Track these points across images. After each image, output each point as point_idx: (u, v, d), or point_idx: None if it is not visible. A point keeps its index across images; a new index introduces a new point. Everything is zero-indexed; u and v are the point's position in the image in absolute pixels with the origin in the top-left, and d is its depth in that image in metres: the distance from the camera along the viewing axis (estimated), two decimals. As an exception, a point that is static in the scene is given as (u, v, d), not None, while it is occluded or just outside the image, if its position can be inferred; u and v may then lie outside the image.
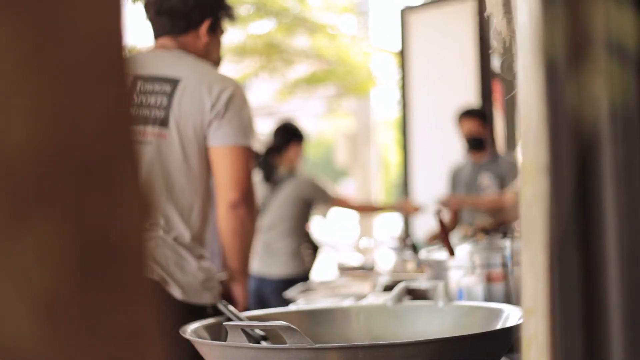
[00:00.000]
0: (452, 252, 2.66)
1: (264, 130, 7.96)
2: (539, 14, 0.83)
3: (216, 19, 3.08)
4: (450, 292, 2.54)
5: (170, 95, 2.85)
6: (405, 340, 1.58)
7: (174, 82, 2.87)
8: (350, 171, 14.63)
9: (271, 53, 11.91)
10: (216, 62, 3.11)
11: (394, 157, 19.29)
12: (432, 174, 7.40)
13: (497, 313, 1.90)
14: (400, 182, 7.81)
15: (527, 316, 0.99)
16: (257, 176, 5.92)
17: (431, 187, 7.09)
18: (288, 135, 6.08)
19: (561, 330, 0.81)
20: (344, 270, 5.16)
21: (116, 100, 0.44)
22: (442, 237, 2.69)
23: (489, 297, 2.47)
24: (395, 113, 10.47)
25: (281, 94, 13.34)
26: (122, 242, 0.44)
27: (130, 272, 0.45)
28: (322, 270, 7.51)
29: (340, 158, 13.50)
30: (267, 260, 5.76)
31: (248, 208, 2.89)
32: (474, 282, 2.48)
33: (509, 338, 1.66)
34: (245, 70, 12.39)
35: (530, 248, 0.96)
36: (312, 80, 12.43)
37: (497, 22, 1.44)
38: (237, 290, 3.04)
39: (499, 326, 1.82)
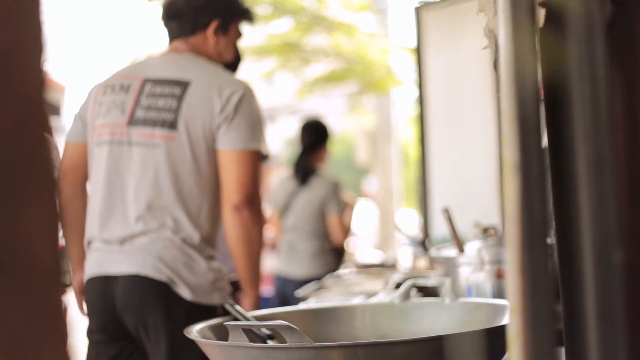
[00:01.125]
0: (461, 249, 2.66)
1: (287, 128, 7.98)
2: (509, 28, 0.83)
3: (225, 19, 3.07)
4: (459, 289, 2.54)
5: (180, 98, 2.84)
6: (405, 338, 1.59)
7: (184, 85, 2.86)
8: (371, 169, 14.62)
9: (290, 52, 11.93)
10: (231, 63, 3.11)
11: (414, 154, 19.27)
12: (449, 170, 7.38)
13: (504, 309, 1.90)
14: (419, 179, 7.79)
15: (512, 315, 0.99)
16: (285, 176, 5.94)
17: (448, 184, 7.07)
18: (320, 133, 6.08)
19: (534, 328, 0.82)
20: (362, 267, 5.17)
21: (23, 110, 0.45)
22: (452, 234, 2.69)
23: (497, 294, 2.47)
24: (414, 110, 10.45)
25: (301, 92, 13.36)
26: (28, 254, 0.44)
27: (36, 284, 0.45)
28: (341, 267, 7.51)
29: (361, 156, 13.50)
30: (290, 260, 5.78)
31: (252, 211, 2.87)
32: (483, 279, 2.48)
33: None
34: (265, 70, 12.43)
35: (510, 246, 0.96)
36: (331, 78, 12.43)
37: (488, 20, 1.44)
38: (245, 303, 2.99)
39: (503, 322, 1.81)
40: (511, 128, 0.83)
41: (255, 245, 2.94)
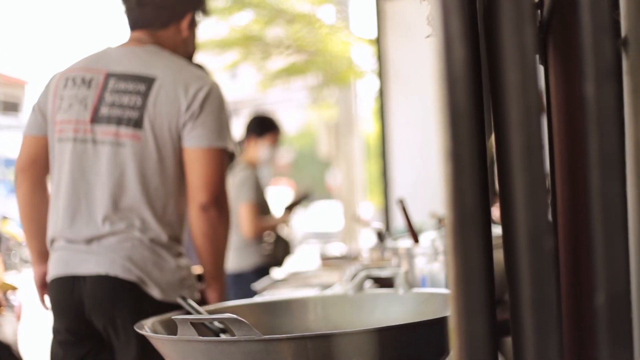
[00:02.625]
0: (416, 240, 2.67)
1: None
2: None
3: (196, 12, 3.06)
4: (414, 280, 2.54)
5: (145, 95, 2.79)
6: (354, 329, 1.58)
7: (149, 81, 2.81)
8: (334, 162, 14.64)
9: (251, 45, 11.91)
10: (191, 54, 3.09)
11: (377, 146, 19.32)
12: (410, 162, 7.40)
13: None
14: (381, 171, 7.81)
15: (450, 303, 0.99)
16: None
17: (409, 175, 7.10)
18: (249, 126, 6.01)
19: (466, 315, 0.82)
20: (325, 260, 5.17)
21: None
22: (406, 224, 2.70)
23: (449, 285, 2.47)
24: (376, 102, 10.48)
25: (263, 85, 13.34)
26: None
27: None
28: (304, 260, 7.50)
29: (323, 149, 13.51)
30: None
31: (219, 211, 2.85)
32: (437, 269, 2.49)
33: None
34: (226, 63, 12.39)
35: (447, 233, 0.96)
36: (292, 71, 12.43)
37: (432, 8, 1.43)
38: (211, 297, 2.99)
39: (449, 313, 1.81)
40: (443, 116, 0.83)
41: (221, 242, 2.93)
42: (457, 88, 0.80)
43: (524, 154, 0.81)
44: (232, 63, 12.81)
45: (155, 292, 2.74)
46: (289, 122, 27.08)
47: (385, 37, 7.67)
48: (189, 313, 1.98)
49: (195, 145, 2.80)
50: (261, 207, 5.85)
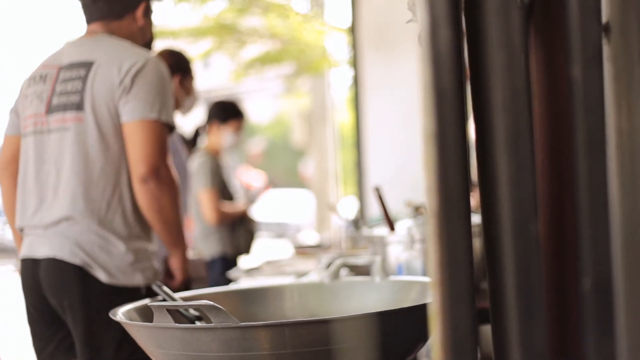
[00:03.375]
0: (392, 228, 2.66)
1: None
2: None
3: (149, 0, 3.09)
4: (390, 268, 2.54)
5: (84, 79, 2.85)
6: (332, 316, 1.57)
7: (88, 65, 2.88)
8: (307, 150, 14.62)
9: (225, 34, 11.85)
10: (149, 42, 3.10)
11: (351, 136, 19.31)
12: (384, 151, 7.41)
13: (432, 287, 1.89)
14: (355, 160, 7.81)
15: (432, 290, 0.98)
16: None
17: (383, 164, 7.11)
18: (210, 113, 5.86)
19: (451, 302, 0.81)
20: (298, 249, 5.16)
21: None
22: (382, 212, 2.69)
23: (428, 272, 2.47)
24: (350, 91, 10.47)
25: (236, 74, 13.28)
26: None
27: None
28: (278, 249, 7.49)
29: (297, 138, 13.49)
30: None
31: (158, 182, 2.84)
32: (413, 257, 2.49)
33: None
34: (199, 52, 12.32)
35: (429, 218, 0.95)
36: (266, 60, 12.38)
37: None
38: (173, 263, 3.10)
39: (428, 300, 1.81)
40: (428, 98, 0.81)
41: (167, 212, 2.93)
42: (443, 69, 0.79)
43: (510, 137, 0.80)
44: (205, 52, 12.75)
45: (102, 276, 2.79)
46: (262, 111, 27.01)
47: (359, 26, 7.66)
48: (163, 300, 1.96)
49: (129, 118, 2.83)
50: (222, 194, 5.73)
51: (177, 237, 3.04)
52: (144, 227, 2.91)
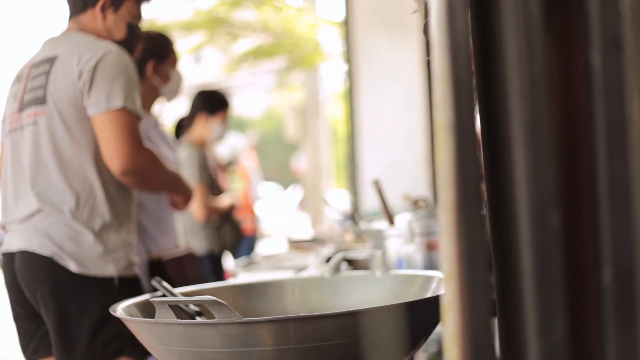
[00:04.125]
0: (391, 221, 2.64)
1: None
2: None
3: None
4: (390, 262, 2.52)
5: (47, 74, 2.87)
6: (336, 311, 1.55)
7: (51, 60, 2.89)
8: (300, 145, 14.59)
9: (217, 27, 11.81)
10: (127, 44, 3.03)
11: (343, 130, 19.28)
12: (378, 144, 7.39)
13: (435, 281, 1.88)
14: (349, 154, 7.79)
15: (447, 282, 0.96)
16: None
17: (378, 157, 7.09)
18: (194, 103, 5.67)
19: (471, 295, 0.79)
20: (293, 243, 5.14)
21: None
22: (382, 206, 2.67)
23: (429, 265, 2.45)
24: (343, 85, 10.42)
25: (229, 68, 13.24)
26: None
27: None
28: (274, 244, 7.47)
29: (290, 132, 13.46)
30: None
31: (137, 171, 2.84)
32: (413, 251, 2.46)
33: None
34: (190, 46, 12.28)
35: (444, 212, 0.93)
36: (259, 54, 12.34)
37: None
38: (177, 200, 3.36)
39: (435, 293, 1.79)
40: (444, 88, 0.79)
41: (157, 184, 3.10)
42: (460, 58, 0.77)
43: (529, 126, 0.78)
44: (196, 45, 12.70)
45: (72, 265, 2.79)
46: (254, 105, 26.96)
47: (353, 19, 7.63)
48: (163, 296, 1.94)
49: (93, 112, 2.82)
50: (210, 188, 5.62)
51: (174, 186, 3.21)
52: (118, 218, 2.89)
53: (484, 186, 1.19)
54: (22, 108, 2.92)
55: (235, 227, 5.77)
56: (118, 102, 2.80)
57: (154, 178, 2.97)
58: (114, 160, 2.80)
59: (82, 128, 2.84)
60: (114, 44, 2.91)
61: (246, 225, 8.22)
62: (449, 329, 0.90)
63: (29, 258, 2.83)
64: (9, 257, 2.91)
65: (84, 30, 3.00)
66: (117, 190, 2.89)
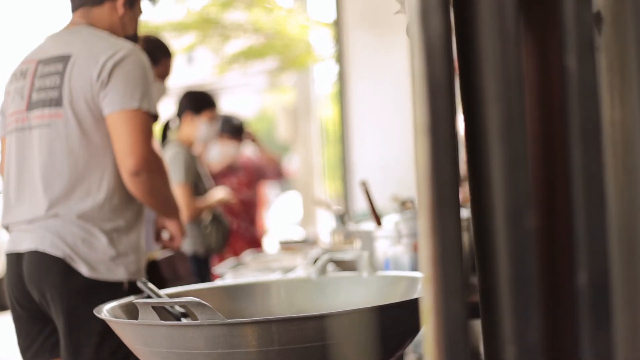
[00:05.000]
0: (379, 222, 2.64)
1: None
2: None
3: None
4: (377, 263, 2.52)
5: (62, 74, 2.81)
6: (320, 312, 1.55)
7: (65, 60, 2.83)
8: (292, 146, 14.60)
9: (209, 28, 11.80)
10: (132, 38, 3.03)
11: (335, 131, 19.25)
12: (369, 146, 7.39)
13: (420, 282, 1.88)
14: (340, 155, 7.79)
15: (424, 285, 0.96)
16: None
17: (368, 159, 7.09)
18: (180, 104, 5.56)
19: (443, 297, 0.79)
20: (284, 244, 5.13)
21: None
22: (369, 207, 2.67)
23: (416, 267, 2.45)
24: (334, 86, 10.42)
25: (220, 69, 13.23)
26: None
27: None
28: (265, 245, 7.45)
29: (281, 133, 13.46)
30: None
31: (149, 173, 2.81)
32: (400, 252, 2.47)
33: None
34: (182, 46, 12.27)
35: (421, 213, 0.93)
36: (250, 54, 12.33)
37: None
38: (172, 229, 3.23)
39: (416, 295, 1.79)
40: (420, 89, 0.79)
41: (161, 195, 2.96)
42: (435, 59, 0.77)
43: (504, 128, 0.78)
44: (188, 46, 12.69)
45: (83, 269, 2.76)
46: (246, 106, 26.93)
47: (344, 20, 7.64)
48: (148, 297, 1.94)
49: (109, 110, 2.79)
50: (197, 187, 5.56)
51: (172, 209, 3.11)
52: (130, 220, 2.88)
53: (466, 188, 1.19)
54: (30, 107, 2.86)
55: (223, 228, 5.73)
56: (135, 103, 2.78)
57: (162, 186, 2.92)
58: (127, 159, 2.77)
59: (97, 130, 2.81)
60: (130, 42, 2.88)
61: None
62: (427, 331, 0.90)
63: (40, 258, 2.79)
64: (16, 257, 2.87)
65: (93, 24, 2.94)
66: (129, 194, 2.87)
